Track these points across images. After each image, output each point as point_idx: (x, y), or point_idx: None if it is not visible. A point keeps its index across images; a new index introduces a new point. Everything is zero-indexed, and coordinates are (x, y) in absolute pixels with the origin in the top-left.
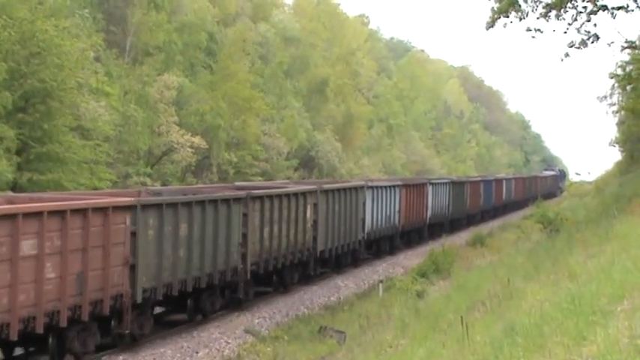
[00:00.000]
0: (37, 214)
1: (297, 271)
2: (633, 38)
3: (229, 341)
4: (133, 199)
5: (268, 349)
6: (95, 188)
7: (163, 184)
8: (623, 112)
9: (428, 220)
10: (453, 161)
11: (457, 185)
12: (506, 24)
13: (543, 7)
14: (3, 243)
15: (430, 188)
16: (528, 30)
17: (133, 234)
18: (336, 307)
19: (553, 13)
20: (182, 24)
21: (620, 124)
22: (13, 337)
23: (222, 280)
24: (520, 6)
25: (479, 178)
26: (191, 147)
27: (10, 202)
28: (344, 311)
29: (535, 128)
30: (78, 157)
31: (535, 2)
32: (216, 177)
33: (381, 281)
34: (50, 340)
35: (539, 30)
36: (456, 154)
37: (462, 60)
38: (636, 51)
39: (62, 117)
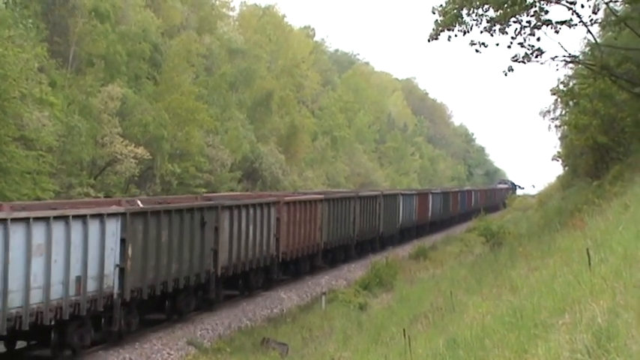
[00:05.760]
0: (293, 202)
1: (369, 246)
2: (576, 53)
3: (171, 353)
4: (323, 196)
5: None
6: (38, 199)
7: (107, 196)
8: (565, 127)
9: (430, 219)
10: (397, 174)
11: (445, 194)
12: (450, 37)
13: (487, 21)
14: (286, 215)
15: (431, 196)
16: (472, 44)
17: (322, 214)
18: (278, 319)
19: (497, 27)
20: (123, 34)
21: (562, 138)
22: (287, 259)
23: (346, 244)
24: (464, 19)
25: (457, 189)
26: (134, 158)
27: (271, 196)
28: (287, 323)
29: (479, 141)
30: (21, 168)
31: (479, 16)
32: (160, 188)
33: (324, 293)
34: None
35: (483, 44)
36: (400, 166)
37: (406, 73)
38: (579, 65)
39: (5, 127)
